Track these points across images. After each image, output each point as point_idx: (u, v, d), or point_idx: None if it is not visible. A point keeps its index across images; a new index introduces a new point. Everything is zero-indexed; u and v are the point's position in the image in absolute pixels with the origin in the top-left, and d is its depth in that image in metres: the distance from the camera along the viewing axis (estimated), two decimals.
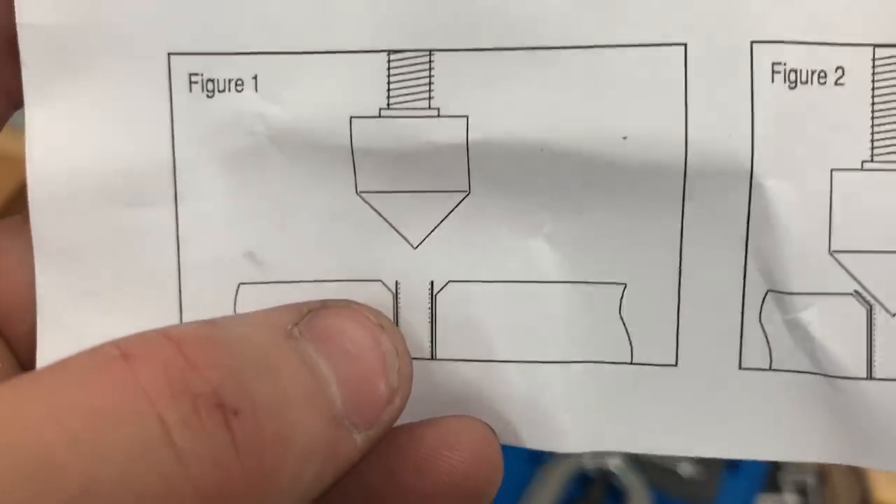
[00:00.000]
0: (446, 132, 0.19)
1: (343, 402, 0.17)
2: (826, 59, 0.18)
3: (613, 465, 0.53)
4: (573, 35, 0.18)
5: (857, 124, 0.18)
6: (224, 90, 0.19)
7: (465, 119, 0.18)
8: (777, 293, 0.19)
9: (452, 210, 0.19)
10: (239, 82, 0.19)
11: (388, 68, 0.18)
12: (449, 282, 0.20)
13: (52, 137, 0.19)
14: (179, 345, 0.15)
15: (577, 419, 0.20)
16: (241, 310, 0.20)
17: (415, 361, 0.19)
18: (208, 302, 0.19)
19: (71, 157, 0.19)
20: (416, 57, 0.18)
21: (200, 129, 0.19)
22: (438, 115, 0.19)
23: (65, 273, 0.19)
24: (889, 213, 0.18)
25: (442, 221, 0.19)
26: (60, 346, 0.18)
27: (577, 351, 0.20)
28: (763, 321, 0.19)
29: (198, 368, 0.15)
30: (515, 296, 0.19)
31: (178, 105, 0.19)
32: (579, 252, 0.19)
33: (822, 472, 0.54)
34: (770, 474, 0.54)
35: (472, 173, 0.19)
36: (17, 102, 0.19)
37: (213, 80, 0.19)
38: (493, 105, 0.18)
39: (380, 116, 0.19)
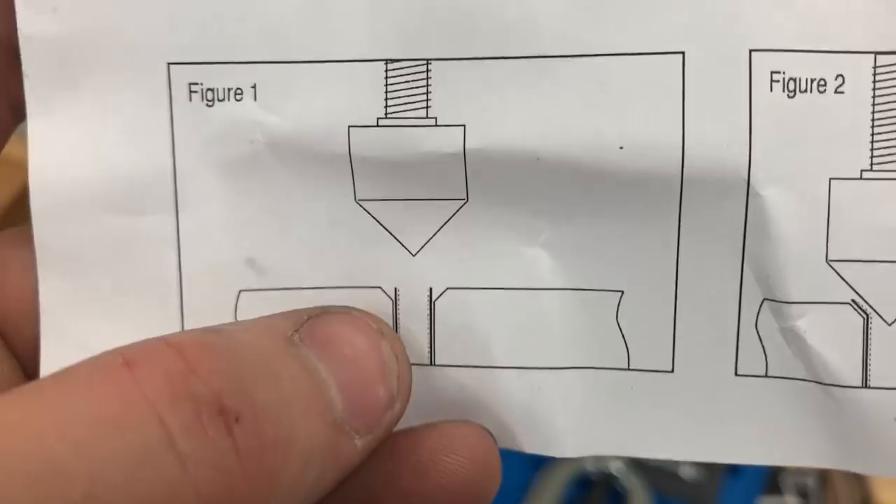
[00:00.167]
0: (444, 141, 0.19)
1: (343, 407, 0.17)
2: (826, 66, 0.18)
3: (614, 467, 0.53)
4: (570, 44, 0.18)
5: (856, 133, 0.18)
6: (224, 99, 0.19)
7: (462, 128, 0.19)
8: (773, 301, 0.19)
9: (450, 218, 0.19)
10: (238, 91, 0.19)
11: (386, 77, 0.19)
12: (447, 289, 0.20)
13: (53, 147, 0.19)
14: (181, 352, 0.15)
15: (574, 424, 0.20)
16: (241, 316, 0.20)
17: (414, 367, 0.19)
18: (209, 308, 0.20)
19: (73, 165, 0.19)
20: (413, 66, 0.19)
21: (200, 138, 0.19)
22: (436, 124, 0.19)
23: (67, 280, 0.19)
24: (887, 223, 0.18)
25: (440, 229, 0.19)
26: (63, 352, 0.18)
27: (575, 357, 0.20)
28: (759, 329, 0.19)
29: (199, 375, 0.15)
30: (513, 302, 0.20)
31: (178, 114, 0.19)
32: (576, 259, 0.19)
33: (823, 475, 0.54)
34: (771, 477, 0.54)
35: (469, 181, 0.19)
36: (23, 114, 0.19)
37: (212, 90, 0.19)
38: (490, 114, 0.18)
39: (378, 125, 0.19)
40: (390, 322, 0.20)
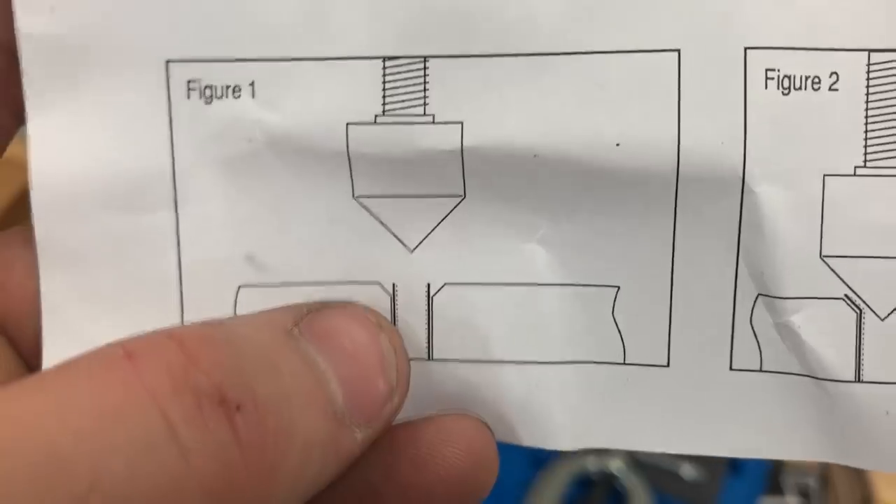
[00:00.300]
0: (441, 138, 0.19)
1: (344, 400, 0.17)
2: (820, 64, 0.18)
3: (615, 467, 0.53)
4: (567, 41, 0.18)
5: (850, 130, 0.18)
6: (222, 97, 0.19)
7: (459, 125, 0.19)
8: (768, 297, 0.19)
9: (448, 214, 0.20)
10: (236, 89, 0.19)
11: (384, 75, 0.19)
12: (445, 284, 0.20)
13: (53, 144, 0.19)
14: (182, 344, 0.15)
15: (570, 417, 0.20)
16: (241, 311, 0.20)
17: (412, 362, 0.19)
18: (209, 304, 0.20)
19: (72, 163, 0.19)
20: (410, 64, 0.19)
21: (199, 135, 0.19)
22: (434, 122, 0.19)
23: (68, 276, 0.19)
24: (881, 219, 0.18)
25: (438, 225, 0.20)
26: (65, 347, 0.19)
27: (571, 351, 0.20)
28: (754, 324, 0.19)
29: (200, 367, 0.15)
30: (510, 298, 0.20)
31: (176, 111, 0.19)
32: (573, 255, 0.19)
33: (825, 475, 0.54)
34: (772, 476, 0.54)
35: (466, 178, 0.19)
36: (23, 118, 0.19)
37: (211, 87, 0.19)
38: (487, 111, 0.19)
39: (375, 123, 0.19)
40: (389, 317, 0.20)
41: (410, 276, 0.20)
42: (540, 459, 0.53)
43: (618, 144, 0.18)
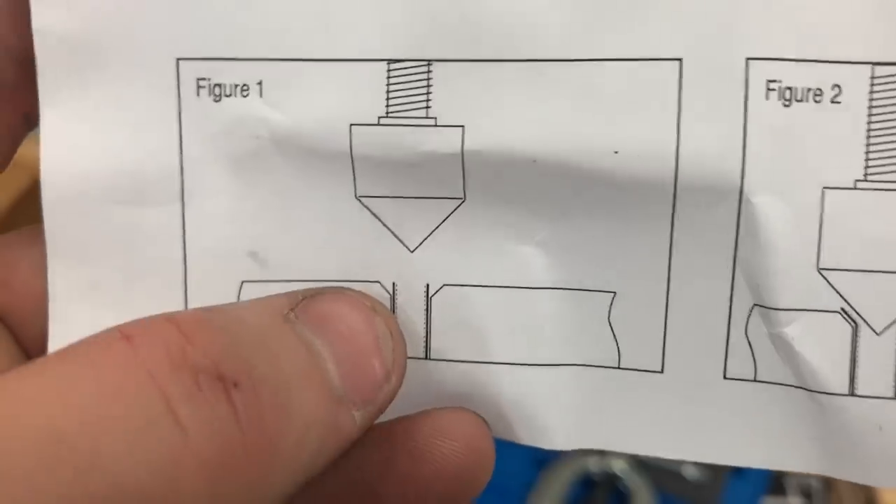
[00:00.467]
0: (443, 141, 0.19)
1: (341, 380, 0.17)
2: (823, 76, 0.18)
3: (618, 467, 0.53)
4: (570, 48, 0.18)
5: (851, 143, 0.18)
6: (230, 95, 0.19)
7: (461, 129, 0.19)
8: (763, 307, 0.19)
9: (448, 216, 0.20)
10: (245, 87, 0.19)
11: (388, 77, 0.19)
12: (444, 285, 0.20)
13: (65, 139, 0.19)
14: (179, 325, 0.15)
15: (564, 419, 0.20)
16: None
17: (409, 361, 0.19)
18: (213, 298, 0.20)
19: (83, 157, 0.19)
20: (415, 66, 0.19)
21: (207, 132, 0.19)
22: (435, 125, 0.19)
23: (75, 270, 0.20)
24: (879, 233, 0.18)
25: (438, 227, 0.20)
26: (70, 338, 0.19)
27: (567, 355, 0.20)
28: (749, 334, 0.19)
29: (197, 345, 0.15)
30: (508, 300, 0.20)
31: (186, 108, 0.19)
32: (571, 259, 0.20)
33: (827, 477, 0.54)
34: (775, 477, 0.54)
35: (467, 181, 0.19)
36: (32, 123, 0.20)
37: (220, 85, 0.19)
38: (488, 116, 0.19)
39: (379, 124, 0.19)
40: None
41: (410, 275, 0.20)
42: (542, 460, 0.53)
43: (616, 152, 0.18)
